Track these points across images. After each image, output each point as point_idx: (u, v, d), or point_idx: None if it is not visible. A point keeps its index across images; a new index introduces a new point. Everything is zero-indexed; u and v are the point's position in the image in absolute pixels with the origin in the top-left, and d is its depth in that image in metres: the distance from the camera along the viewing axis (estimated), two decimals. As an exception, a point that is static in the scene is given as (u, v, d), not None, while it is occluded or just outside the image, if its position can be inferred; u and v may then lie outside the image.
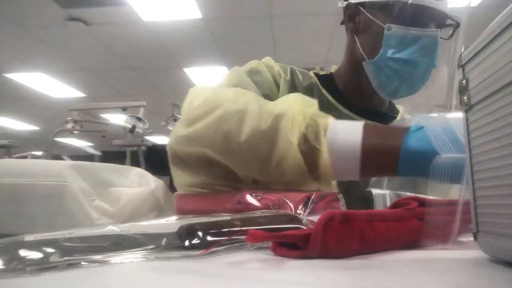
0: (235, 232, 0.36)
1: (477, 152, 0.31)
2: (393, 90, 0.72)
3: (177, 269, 0.30)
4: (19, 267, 0.27)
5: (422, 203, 0.40)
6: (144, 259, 0.32)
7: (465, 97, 0.33)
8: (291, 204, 0.45)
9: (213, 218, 0.42)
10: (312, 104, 0.50)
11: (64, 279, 0.26)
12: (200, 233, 0.36)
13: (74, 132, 3.85)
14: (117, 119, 4.45)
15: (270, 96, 0.72)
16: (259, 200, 0.48)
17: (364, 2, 0.72)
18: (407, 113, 0.91)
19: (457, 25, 0.69)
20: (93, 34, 3.95)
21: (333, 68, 0.90)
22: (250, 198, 0.48)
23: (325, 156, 0.46)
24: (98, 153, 4.29)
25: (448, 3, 0.67)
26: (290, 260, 0.33)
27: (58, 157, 3.74)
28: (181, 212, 0.54)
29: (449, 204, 0.36)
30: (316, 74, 0.83)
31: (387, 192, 0.56)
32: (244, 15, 3.56)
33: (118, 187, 0.53)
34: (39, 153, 4.21)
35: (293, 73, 0.79)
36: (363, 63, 0.75)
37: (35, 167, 0.48)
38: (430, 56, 0.68)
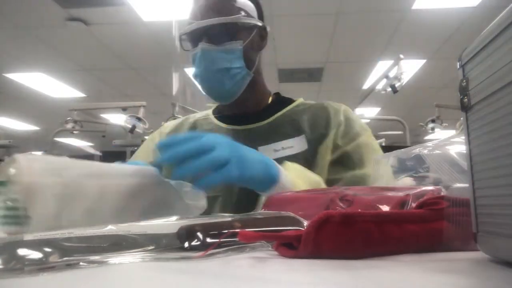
0: (235, 234, 0.36)
1: (477, 152, 0.31)
2: (215, 97, 0.88)
3: (176, 270, 0.30)
4: (17, 266, 0.27)
5: (455, 203, 0.36)
6: (143, 260, 0.32)
7: (465, 97, 0.32)
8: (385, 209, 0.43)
9: (214, 219, 0.42)
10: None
11: (62, 280, 0.26)
12: (200, 234, 0.36)
13: (74, 132, 3.85)
14: (117, 119, 4.45)
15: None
16: (349, 206, 0.46)
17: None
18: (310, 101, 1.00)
19: (222, 26, 0.82)
20: (93, 34, 3.95)
21: None
22: (340, 204, 0.47)
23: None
24: (98, 153, 4.28)
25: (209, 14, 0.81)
26: (290, 260, 0.33)
27: (58, 157, 3.74)
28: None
29: None
30: (214, 109, 1.03)
31: None
32: (244, 15, 3.56)
33: None
34: (39, 153, 4.21)
35: (193, 126, 0.99)
36: None
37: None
38: (205, 63, 0.83)
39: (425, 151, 0.51)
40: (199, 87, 0.88)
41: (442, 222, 0.36)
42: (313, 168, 0.84)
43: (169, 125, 1.05)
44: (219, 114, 0.99)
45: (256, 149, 0.85)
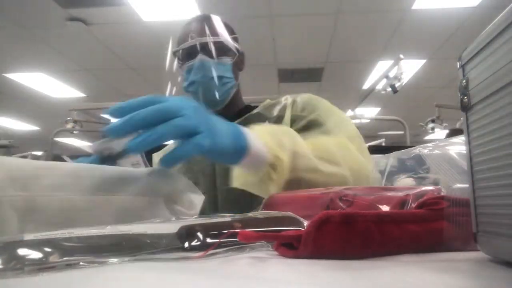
0: (235, 234, 0.36)
1: (477, 152, 0.31)
2: (207, 104, 0.95)
3: (176, 270, 0.30)
4: (17, 266, 0.27)
5: (455, 203, 0.36)
6: (143, 260, 0.32)
7: (465, 97, 0.32)
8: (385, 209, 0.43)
9: (214, 219, 0.42)
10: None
11: (62, 280, 0.26)
12: (200, 234, 0.36)
13: (74, 132, 3.84)
14: (117, 119, 4.44)
15: None
16: (349, 206, 0.46)
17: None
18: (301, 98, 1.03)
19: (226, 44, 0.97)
20: (93, 34, 3.95)
21: None
22: (340, 204, 0.47)
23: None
24: (98, 153, 4.28)
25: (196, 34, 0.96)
26: (290, 260, 0.33)
27: (58, 157, 3.74)
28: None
29: None
30: None
31: None
32: (244, 15, 3.56)
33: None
34: (39, 153, 4.20)
35: None
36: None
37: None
38: (203, 71, 0.94)
39: (425, 151, 0.51)
40: (191, 95, 0.98)
41: (442, 222, 0.36)
42: None
43: None
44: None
45: None
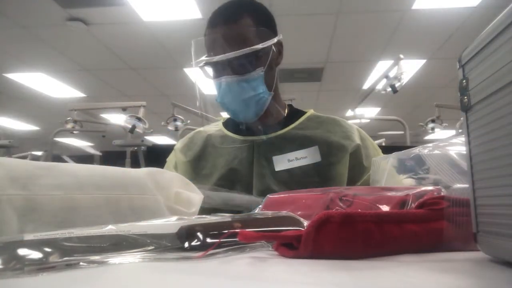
0: (235, 234, 0.36)
1: (477, 152, 0.31)
2: (240, 118, 0.92)
3: (176, 270, 0.30)
4: (17, 266, 0.27)
5: (455, 203, 0.36)
6: (143, 260, 0.32)
7: (465, 97, 0.32)
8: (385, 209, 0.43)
9: (214, 219, 0.42)
10: None
11: (62, 280, 0.26)
12: (200, 235, 0.36)
13: (74, 132, 3.84)
14: (117, 119, 4.45)
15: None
16: (349, 206, 0.46)
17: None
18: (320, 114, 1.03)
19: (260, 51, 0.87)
20: (93, 34, 3.95)
21: None
22: (340, 204, 0.47)
23: None
24: (98, 153, 4.28)
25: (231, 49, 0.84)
26: (290, 260, 0.33)
27: (58, 157, 3.74)
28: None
29: None
30: (225, 120, 1.07)
31: None
32: (244, 15, 3.55)
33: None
34: (39, 153, 4.20)
35: (207, 140, 1.01)
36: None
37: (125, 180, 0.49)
38: (229, 97, 0.88)
39: (425, 152, 0.51)
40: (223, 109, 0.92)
41: (442, 222, 0.36)
42: (326, 180, 0.87)
43: (181, 141, 1.06)
44: (233, 126, 1.01)
45: (271, 158, 0.90)
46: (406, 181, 0.75)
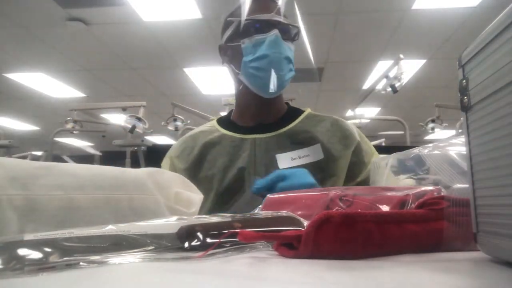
0: (235, 234, 0.36)
1: (477, 152, 0.31)
2: (265, 85, 0.89)
3: (176, 270, 0.30)
4: (17, 266, 0.27)
5: (455, 203, 0.36)
6: (143, 260, 0.32)
7: (465, 97, 0.32)
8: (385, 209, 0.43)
9: (214, 219, 0.42)
10: None
11: (62, 280, 0.26)
12: (200, 235, 0.36)
13: (74, 132, 3.84)
14: (117, 119, 4.45)
15: None
16: (349, 206, 0.46)
17: (226, 37, 0.95)
18: (317, 112, 1.05)
19: (295, 29, 0.93)
20: (93, 34, 3.95)
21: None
22: (340, 204, 0.47)
23: None
24: (98, 153, 4.28)
25: (281, 14, 0.90)
26: (290, 260, 0.33)
27: (58, 157, 3.74)
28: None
29: None
30: (218, 120, 1.06)
31: None
32: (244, 15, 3.56)
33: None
34: (39, 153, 4.20)
35: (206, 146, 0.98)
36: (239, 77, 0.94)
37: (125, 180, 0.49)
38: (276, 49, 0.88)
39: (425, 152, 0.51)
40: (251, 75, 0.90)
41: (442, 222, 0.36)
42: (328, 177, 0.89)
43: (175, 149, 1.04)
44: (232, 125, 1.00)
45: (274, 157, 0.90)
46: (406, 181, 0.75)
